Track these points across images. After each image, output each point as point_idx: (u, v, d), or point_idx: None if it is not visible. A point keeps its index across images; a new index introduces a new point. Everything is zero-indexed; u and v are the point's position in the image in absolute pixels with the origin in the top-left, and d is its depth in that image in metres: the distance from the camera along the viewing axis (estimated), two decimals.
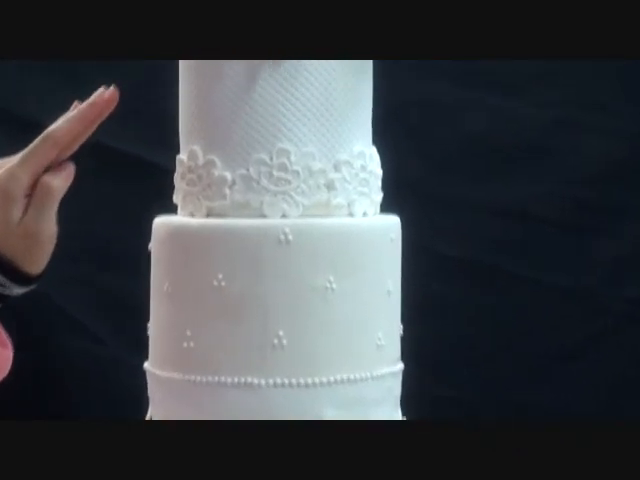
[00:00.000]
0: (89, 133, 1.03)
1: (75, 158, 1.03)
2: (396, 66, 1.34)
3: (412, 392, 1.12)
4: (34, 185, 1.01)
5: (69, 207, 1.04)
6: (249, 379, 1.01)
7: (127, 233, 1.50)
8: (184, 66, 1.08)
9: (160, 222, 1.09)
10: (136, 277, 1.15)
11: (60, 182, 1.02)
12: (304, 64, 1.03)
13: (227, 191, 1.04)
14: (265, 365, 1.01)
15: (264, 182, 1.03)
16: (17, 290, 1.04)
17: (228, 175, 1.04)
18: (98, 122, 1.03)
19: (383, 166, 1.11)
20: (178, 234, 1.06)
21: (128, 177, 1.86)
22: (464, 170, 1.84)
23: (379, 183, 1.11)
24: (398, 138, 1.57)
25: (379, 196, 1.11)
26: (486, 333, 1.84)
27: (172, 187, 1.11)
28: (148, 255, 1.10)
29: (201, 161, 1.06)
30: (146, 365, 1.10)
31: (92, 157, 1.18)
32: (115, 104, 1.02)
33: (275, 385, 1.01)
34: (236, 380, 1.01)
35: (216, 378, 1.02)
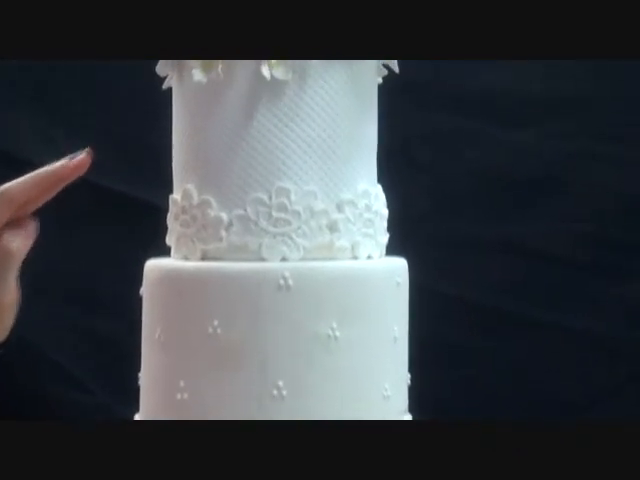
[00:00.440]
0: (50, 196, 0.96)
1: (56, 199, 0.97)
2: (400, 99, 1.34)
3: None
4: None
5: (55, 248, 0.98)
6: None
7: (117, 276, 1.48)
8: (177, 99, 1.07)
9: (152, 265, 1.07)
10: (126, 323, 1.13)
11: (19, 243, 0.95)
12: (305, 98, 1.02)
13: (223, 233, 1.02)
14: (264, 417, 0.99)
15: (262, 223, 1.02)
16: None
17: (224, 216, 1.03)
18: (60, 187, 0.96)
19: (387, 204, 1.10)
20: (171, 278, 1.04)
21: (118, 217, 1.82)
22: (471, 207, 1.80)
23: (384, 224, 1.09)
24: (401, 174, 1.53)
25: (385, 238, 1.09)
26: (503, 378, 1.79)
27: (165, 228, 1.09)
28: (139, 300, 1.08)
29: (195, 201, 1.04)
30: (137, 417, 1.07)
31: (79, 195, 1.13)
32: (85, 170, 0.96)
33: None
34: None
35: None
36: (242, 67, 1.01)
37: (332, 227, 1.03)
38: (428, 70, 1.66)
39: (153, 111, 1.21)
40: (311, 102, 1.02)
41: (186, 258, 1.05)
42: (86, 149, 0.96)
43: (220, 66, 1.01)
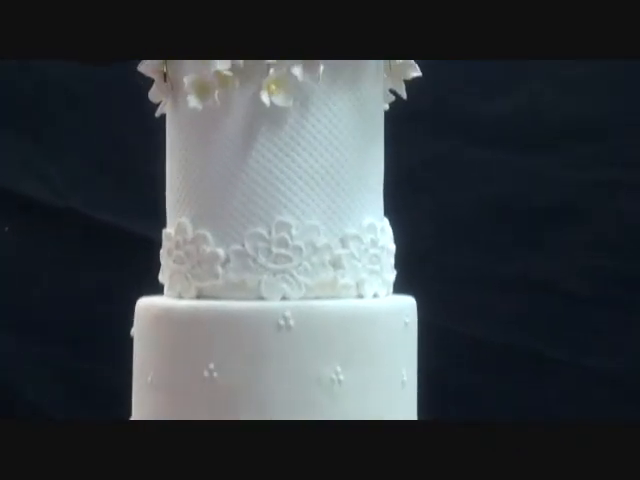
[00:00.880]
0: None
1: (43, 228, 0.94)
2: (406, 127, 1.32)
3: None
4: None
5: (40, 285, 0.95)
6: None
7: (106, 315, 1.46)
8: (171, 126, 1.07)
9: (144, 304, 1.06)
10: (117, 366, 1.11)
11: None
12: (307, 126, 1.01)
13: (220, 270, 1.01)
14: None
15: (262, 259, 1.00)
16: None
17: (221, 252, 1.01)
18: None
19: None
20: (164, 318, 1.02)
21: (108, 251, 1.76)
22: (482, 239, 1.76)
23: (392, 260, 1.08)
24: (406, 205, 1.50)
25: (392, 275, 1.08)
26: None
27: (158, 264, 1.08)
28: (130, 341, 1.07)
29: (190, 235, 1.03)
30: None
31: (64, 225, 1.10)
32: None
33: None
34: None
35: None
36: (240, 93, 1.01)
37: (336, 264, 1.02)
38: (436, 95, 1.63)
39: (145, 139, 1.18)
40: (313, 130, 1.01)
41: (180, 296, 1.04)
42: None
43: (217, 92, 1.00)
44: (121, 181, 1.66)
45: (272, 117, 1.00)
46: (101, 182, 0.95)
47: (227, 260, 1.00)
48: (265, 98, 0.98)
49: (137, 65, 1.04)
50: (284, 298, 0.99)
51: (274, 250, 0.99)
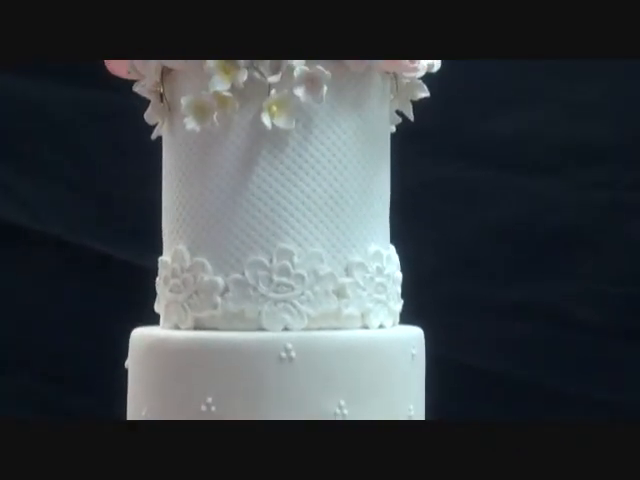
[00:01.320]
0: None
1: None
2: (411, 149, 1.30)
3: None
4: None
5: (28, 314, 0.93)
6: None
7: (99, 346, 1.46)
8: (168, 149, 1.06)
9: (139, 334, 1.05)
10: (110, 399, 1.10)
11: None
12: (310, 149, 1.00)
13: (218, 299, 1.00)
14: None
15: (262, 288, 0.99)
16: None
17: (219, 280, 1.00)
18: None
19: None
20: (160, 349, 1.02)
21: (102, 280, 1.77)
22: (489, 266, 1.76)
23: (398, 289, 1.07)
24: (411, 231, 1.48)
25: (398, 305, 1.07)
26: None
27: (154, 293, 1.07)
28: (125, 373, 1.06)
29: (188, 263, 1.02)
30: None
31: (55, 255, 1.08)
32: None
33: None
34: None
35: None
36: (240, 115, 1.00)
37: (340, 293, 1.01)
38: (443, 117, 1.62)
39: (139, 162, 1.16)
40: (317, 154, 1.01)
41: (177, 327, 1.03)
42: None
43: (216, 114, 0.99)
44: (111, 206, 1.66)
45: (273, 140, 1.00)
46: (90, 208, 0.95)
47: (226, 289, 1.00)
48: (266, 120, 0.98)
49: (128, 86, 1.03)
50: (286, 329, 0.99)
51: (275, 279, 0.99)
